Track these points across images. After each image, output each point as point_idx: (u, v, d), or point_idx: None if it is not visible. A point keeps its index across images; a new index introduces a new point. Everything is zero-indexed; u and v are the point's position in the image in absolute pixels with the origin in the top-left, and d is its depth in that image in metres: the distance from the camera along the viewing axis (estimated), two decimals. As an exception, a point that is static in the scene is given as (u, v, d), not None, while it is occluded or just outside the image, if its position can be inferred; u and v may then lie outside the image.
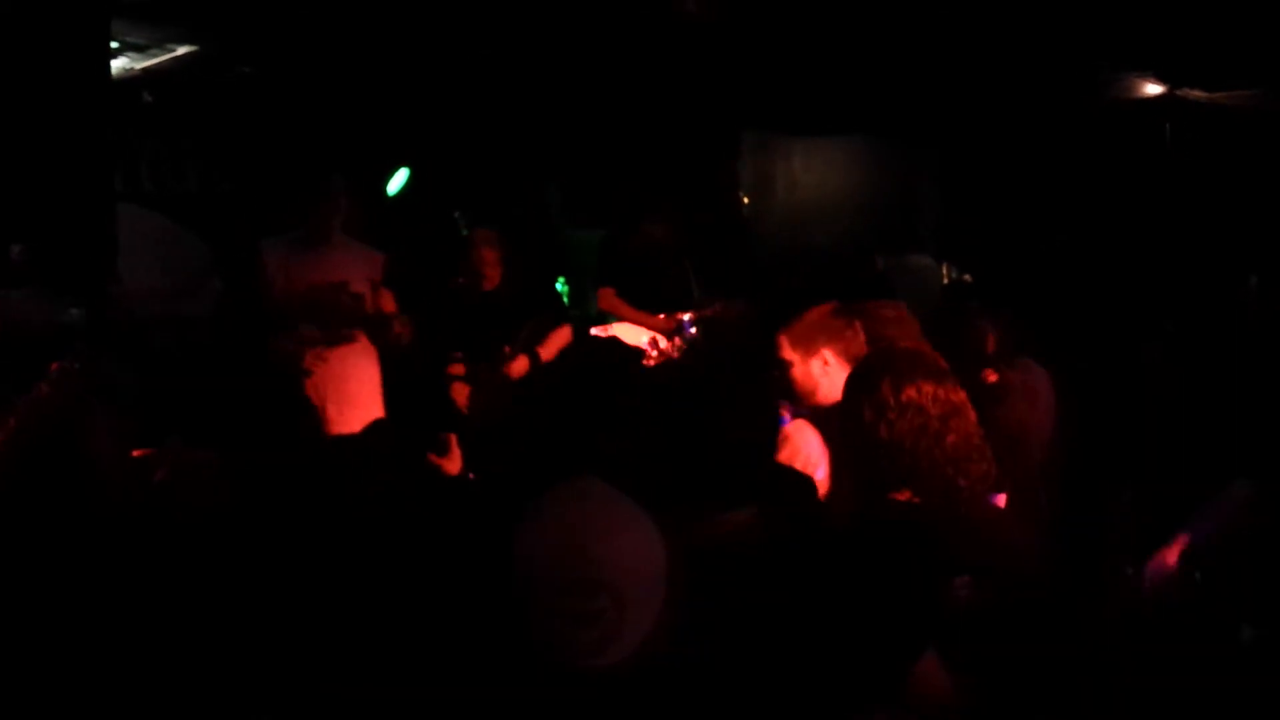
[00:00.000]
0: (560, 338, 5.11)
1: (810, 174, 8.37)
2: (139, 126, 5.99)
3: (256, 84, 6.20)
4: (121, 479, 2.19)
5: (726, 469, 1.92)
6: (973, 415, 2.22)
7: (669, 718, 1.49)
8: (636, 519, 1.41)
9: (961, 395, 2.24)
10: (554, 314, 5.32)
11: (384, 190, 6.72)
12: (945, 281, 7.34)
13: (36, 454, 1.97)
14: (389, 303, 4.37)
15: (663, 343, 5.52)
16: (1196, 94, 6.78)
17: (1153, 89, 6.84)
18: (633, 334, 5.58)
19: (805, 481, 2.29)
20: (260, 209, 6.12)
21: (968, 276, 7.22)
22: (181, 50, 5.67)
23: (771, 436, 2.07)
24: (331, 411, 4.13)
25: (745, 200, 8.04)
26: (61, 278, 2.50)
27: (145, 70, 5.90)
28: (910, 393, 2.17)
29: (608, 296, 5.75)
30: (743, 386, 2.05)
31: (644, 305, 5.71)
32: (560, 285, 6.82)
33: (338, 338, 4.21)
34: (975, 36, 6.10)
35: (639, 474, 1.92)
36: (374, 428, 3.70)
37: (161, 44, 5.56)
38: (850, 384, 2.27)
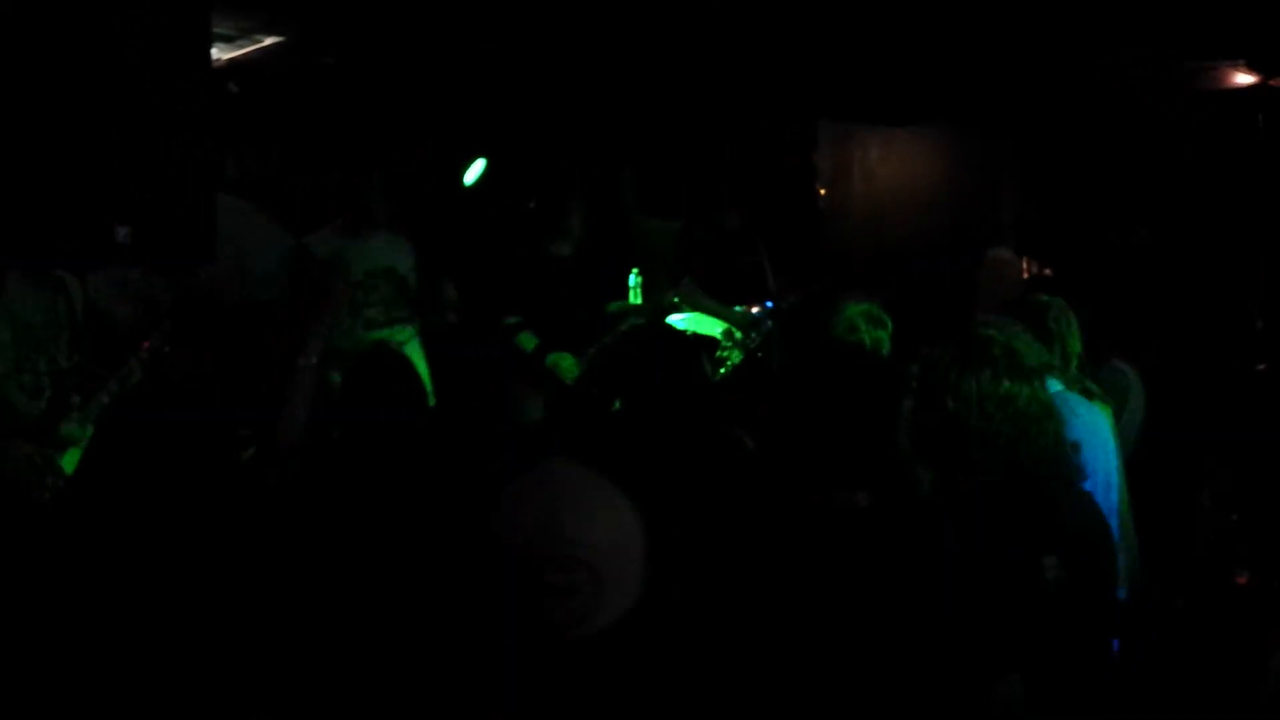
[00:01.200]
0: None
1: (887, 165, 8.28)
2: (225, 116, 6.11)
3: (340, 75, 6.29)
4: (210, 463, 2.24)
5: (842, 455, 1.93)
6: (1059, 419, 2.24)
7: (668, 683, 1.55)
8: (612, 497, 1.47)
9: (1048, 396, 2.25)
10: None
11: (461, 181, 6.78)
12: (1025, 276, 7.22)
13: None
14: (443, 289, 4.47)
15: (738, 334, 5.51)
16: (1291, 83, 6.60)
17: (1244, 78, 6.68)
18: (709, 325, 5.58)
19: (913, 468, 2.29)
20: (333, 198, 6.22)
21: (1049, 271, 7.09)
22: (268, 41, 5.77)
23: (885, 423, 2.08)
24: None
25: (822, 191, 7.98)
26: (164, 260, 2.59)
27: (231, 61, 6.02)
28: (1008, 387, 2.17)
29: (685, 287, 5.75)
30: (843, 378, 2.04)
31: (720, 296, 5.70)
32: (633, 276, 6.83)
33: (397, 320, 4.29)
34: (1058, 24, 5.99)
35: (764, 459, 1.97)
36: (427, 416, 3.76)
37: (249, 34, 5.66)
38: (947, 368, 2.26)
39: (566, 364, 4.83)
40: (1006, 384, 2.18)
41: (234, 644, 1.96)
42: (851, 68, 6.80)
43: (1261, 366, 4.86)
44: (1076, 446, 2.31)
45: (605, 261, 5.45)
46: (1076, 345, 3.27)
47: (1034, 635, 2.03)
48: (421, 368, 4.39)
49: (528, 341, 4.89)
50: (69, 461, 2.98)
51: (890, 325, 3.32)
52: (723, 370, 5.22)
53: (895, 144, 8.23)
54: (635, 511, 1.47)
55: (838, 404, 1.99)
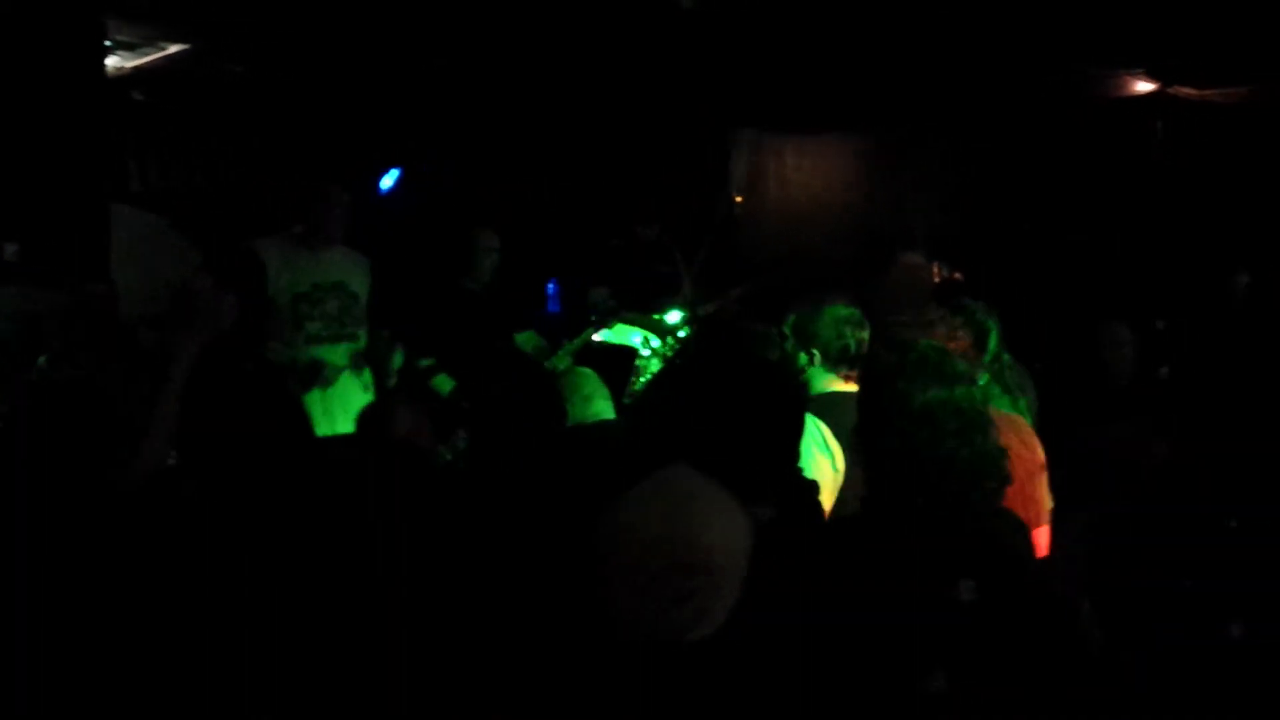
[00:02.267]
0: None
1: (801, 172, 8.37)
2: (129, 125, 5.97)
3: (248, 83, 6.18)
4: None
5: (741, 469, 1.92)
6: (993, 429, 2.16)
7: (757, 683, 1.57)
8: (726, 501, 1.51)
9: (981, 407, 2.18)
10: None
11: (376, 189, 6.71)
12: (936, 280, 7.34)
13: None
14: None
15: (655, 341, 5.52)
16: (1187, 91, 6.79)
17: (1144, 86, 6.86)
18: (625, 334, 5.58)
19: (810, 484, 2.28)
20: (250, 209, 6.11)
21: (958, 275, 7.22)
22: (173, 49, 5.65)
23: (787, 436, 2.05)
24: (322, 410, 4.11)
25: (737, 199, 8.05)
26: (53, 277, 2.50)
27: (136, 69, 5.87)
28: (926, 402, 2.11)
29: (600, 296, 5.75)
30: (746, 384, 2.03)
31: (636, 305, 5.70)
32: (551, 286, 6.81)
33: (341, 337, 4.20)
34: (966, 34, 6.11)
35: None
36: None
37: (153, 42, 5.53)
38: (865, 387, 2.24)
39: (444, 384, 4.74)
40: (943, 392, 2.12)
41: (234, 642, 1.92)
42: (766, 75, 6.86)
43: (1164, 369, 4.99)
44: (1004, 452, 2.27)
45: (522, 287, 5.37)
46: (995, 345, 3.31)
47: (952, 659, 2.01)
48: (356, 392, 4.26)
49: (443, 384, 4.77)
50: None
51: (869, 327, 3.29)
52: (641, 380, 5.21)
53: (809, 151, 8.33)
54: (747, 517, 1.51)
55: (748, 415, 1.96)
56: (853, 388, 3.05)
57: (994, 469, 2.14)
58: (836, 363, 3.10)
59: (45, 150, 2.46)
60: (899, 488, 2.13)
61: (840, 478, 2.77)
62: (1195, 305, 5.81)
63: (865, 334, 3.13)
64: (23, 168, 2.45)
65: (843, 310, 3.16)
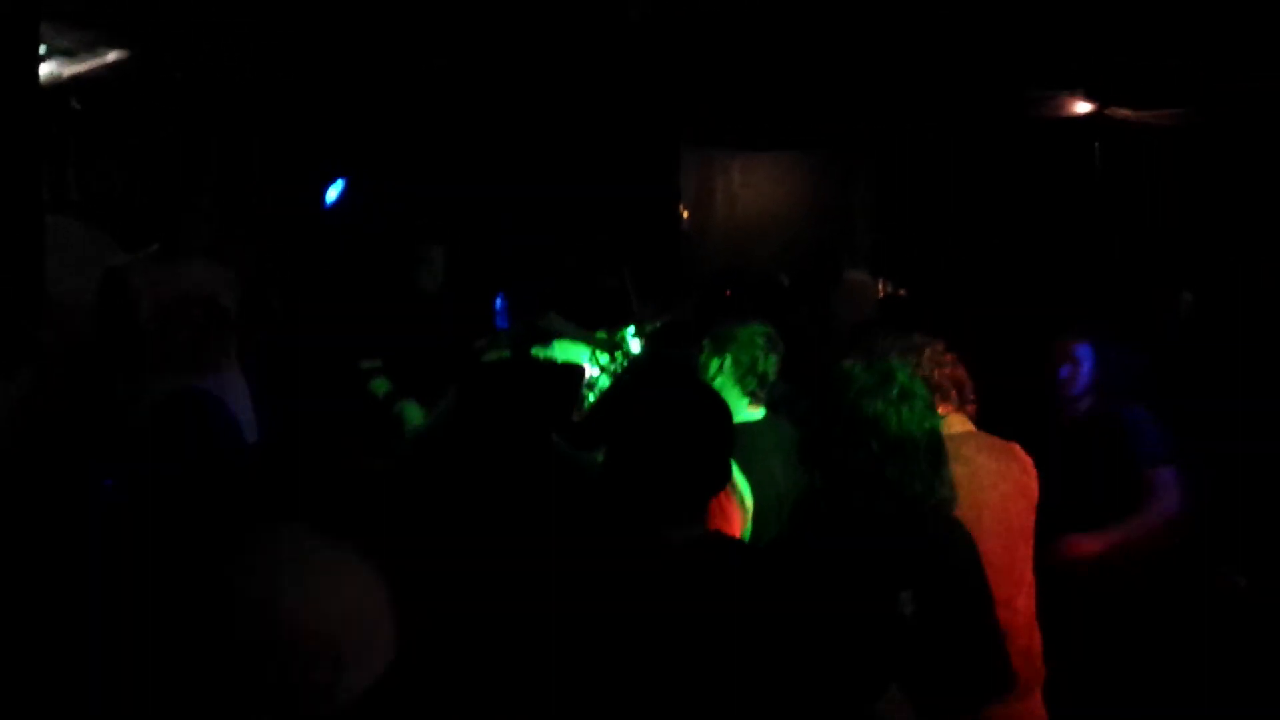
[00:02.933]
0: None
1: (749, 188, 8.42)
2: (67, 133, 5.85)
3: (187, 90, 6.08)
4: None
5: (683, 486, 1.91)
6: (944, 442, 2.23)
7: None
8: (345, 565, 1.31)
9: (936, 417, 2.25)
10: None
11: (321, 200, 6.63)
12: (880, 295, 7.41)
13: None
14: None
15: (603, 358, 5.49)
16: (1124, 112, 6.93)
17: (1083, 107, 6.98)
18: (573, 351, 5.55)
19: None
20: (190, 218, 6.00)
21: (902, 291, 7.29)
22: (111, 56, 5.54)
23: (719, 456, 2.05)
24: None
25: (685, 214, 8.06)
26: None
27: (75, 76, 5.76)
28: (877, 411, 2.17)
29: (548, 314, 5.72)
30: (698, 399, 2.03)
31: (584, 322, 5.68)
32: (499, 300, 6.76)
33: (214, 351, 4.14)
34: (909, 55, 6.18)
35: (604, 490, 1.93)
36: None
37: (92, 48, 5.43)
38: (821, 398, 2.25)
39: (413, 414, 4.66)
40: (908, 411, 2.19)
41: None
42: (714, 93, 6.89)
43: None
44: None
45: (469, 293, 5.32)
46: None
47: (894, 669, 2.02)
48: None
49: (380, 387, 4.69)
50: None
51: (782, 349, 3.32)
52: (590, 395, 5.19)
53: (757, 168, 8.38)
54: (372, 572, 1.29)
55: (686, 436, 1.95)
56: (758, 412, 3.11)
57: (945, 480, 2.21)
58: (742, 376, 3.12)
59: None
60: (857, 498, 2.16)
61: (750, 513, 2.76)
62: (1133, 324, 5.90)
63: (775, 357, 3.17)
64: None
65: (760, 329, 3.20)
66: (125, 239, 4.97)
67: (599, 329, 5.57)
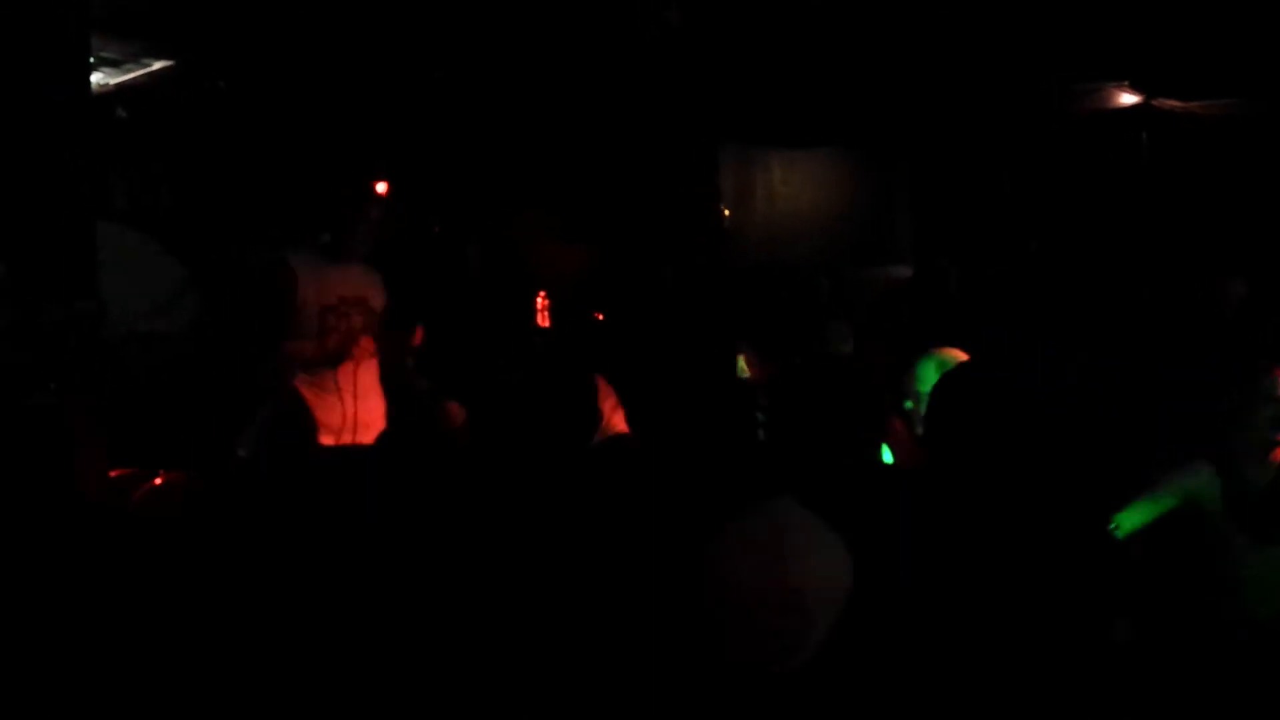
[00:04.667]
0: None
1: (789, 186, 8.39)
2: (114, 142, 5.94)
3: (233, 99, 6.16)
4: (101, 499, 2.16)
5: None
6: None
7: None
8: (828, 539, 1.52)
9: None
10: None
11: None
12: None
13: (22, 473, 1.94)
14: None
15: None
16: (1172, 103, 6.84)
17: (1128, 99, 6.90)
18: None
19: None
20: (236, 225, 6.07)
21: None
22: (157, 65, 5.62)
23: None
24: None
25: (725, 212, 8.04)
26: (40, 296, 2.46)
27: (120, 85, 5.85)
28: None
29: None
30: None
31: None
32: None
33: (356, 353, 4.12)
34: (952, 47, 6.14)
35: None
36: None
37: (137, 59, 5.51)
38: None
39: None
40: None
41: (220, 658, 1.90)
42: (753, 90, 6.87)
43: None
44: None
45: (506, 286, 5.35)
46: None
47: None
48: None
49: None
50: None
51: None
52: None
53: (797, 165, 8.34)
54: (846, 552, 1.51)
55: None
56: None
57: None
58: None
59: (30, 169, 2.43)
60: None
61: None
62: (1182, 316, 5.83)
63: None
64: (6, 187, 2.41)
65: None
66: (173, 245, 5.03)
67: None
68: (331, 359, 4.04)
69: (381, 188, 4.41)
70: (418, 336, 4.35)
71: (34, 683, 1.76)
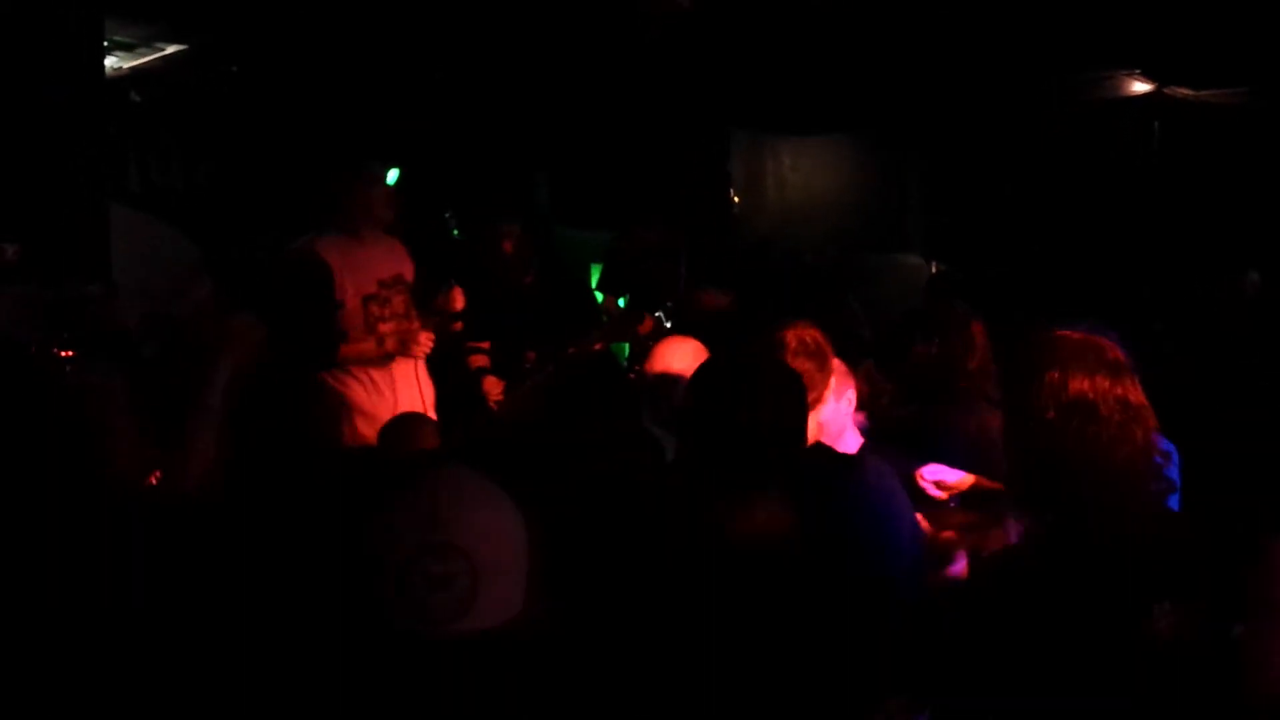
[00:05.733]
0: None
1: (798, 173, 8.39)
2: (127, 126, 5.96)
3: (244, 83, 6.18)
4: (135, 474, 2.19)
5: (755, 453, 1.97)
6: (1152, 422, 1.78)
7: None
8: (494, 495, 1.47)
9: (1141, 399, 1.78)
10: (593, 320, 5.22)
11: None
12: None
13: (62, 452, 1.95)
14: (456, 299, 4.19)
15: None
16: (1184, 92, 6.81)
17: (1141, 87, 6.87)
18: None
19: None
20: (249, 207, 6.10)
21: (955, 274, 7.25)
22: (170, 49, 5.64)
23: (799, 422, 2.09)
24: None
25: (735, 198, 8.05)
26: (55, 277, 2.49)
27: (133, 69, 5.88)
28: (1080, 386, 1.75)
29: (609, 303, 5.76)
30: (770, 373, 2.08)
31: (642, 305, 5.68)
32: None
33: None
34: (963, 35, 6.12)
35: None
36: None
37: (150, 43, 5.53)
38: (1008, 375, 1.95)
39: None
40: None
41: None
42: (764, 77, 6.87)
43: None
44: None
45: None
46: None
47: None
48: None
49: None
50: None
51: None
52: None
53: (806, 152, 8.35)
54: (517, 511, 1.46)
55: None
56: None
57: (1154, 471, 1.77)
58: None
59: (45, 151, 2.46)
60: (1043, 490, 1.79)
61: None
62: (1195, 305, 5.82)
63: None
64: (23, 169, 2.44)
65: None
66: (187, 228, 5.06)
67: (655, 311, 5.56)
68: (393, 355, 3.90)
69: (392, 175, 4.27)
70: (457, 300, 4.20)
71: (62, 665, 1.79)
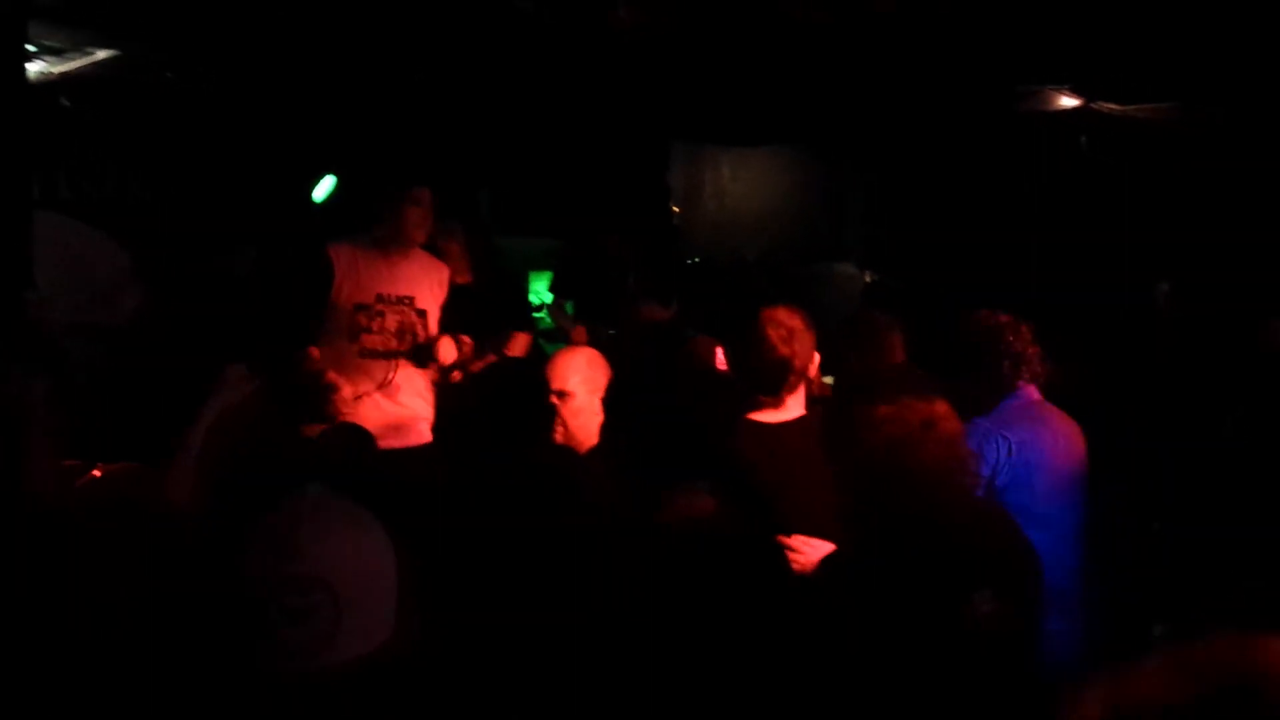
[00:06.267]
0: (521, 342, 5.01)
1: (738, 184, 8.47)
2: (57, 132, 5.87)
3: (178, 89, 6.11)
4: (53, 488, 2.16)
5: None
6: (955, 426, 2.13)
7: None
8: (359, 521, 1.41)
9: (943, 408, 2.14)
10: (523, 318, 5.27)
11: (310, 198, 6.66)
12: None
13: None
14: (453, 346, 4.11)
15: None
16: (1111, 106, 6.97)
17: (1068, 101, 7.01)
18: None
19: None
20: (182, 215, 6.03)
21: (891, 283, 7.34)
22: (101, 54, 5.56)
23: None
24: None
25: (675, 209, 8.11)
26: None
27: (63, 75, 5.78)
28: (884, 410, 2.11)
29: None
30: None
31: (594, 317, 5.72)
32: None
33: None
34: (897, 50, 6.22)
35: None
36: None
37: (80, 48, 5.45)
38: (830, 410, 2.29)
39: None
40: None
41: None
42: (704, 89, 6.92)
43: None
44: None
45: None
46: None
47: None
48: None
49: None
50: None
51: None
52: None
53: (746, 163, 8.43)
54: (387, 539, 1.39)
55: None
56: None
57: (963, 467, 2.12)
58: None
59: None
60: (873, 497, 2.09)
61: None
62: (1118, 316, 5.96)
63: None
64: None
65: None
66: (118, 235, 4.98)
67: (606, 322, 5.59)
68: (366, 364, 3.90)
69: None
70: (445, 351, 4.14)
71: None
